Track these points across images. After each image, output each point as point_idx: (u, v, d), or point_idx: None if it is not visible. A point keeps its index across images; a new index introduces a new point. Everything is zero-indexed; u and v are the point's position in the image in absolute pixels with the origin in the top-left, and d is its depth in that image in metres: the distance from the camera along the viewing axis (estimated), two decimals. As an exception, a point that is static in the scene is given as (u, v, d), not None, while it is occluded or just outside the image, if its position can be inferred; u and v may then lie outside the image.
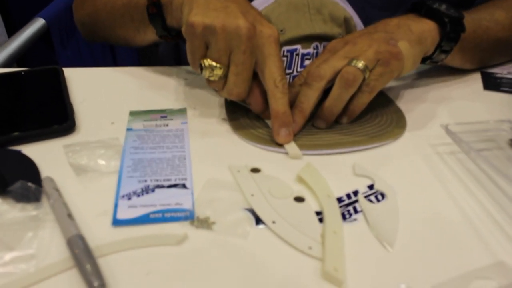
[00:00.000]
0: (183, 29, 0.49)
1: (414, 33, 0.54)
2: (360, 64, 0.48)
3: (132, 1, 0.62)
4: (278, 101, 0.48)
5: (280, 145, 0.49)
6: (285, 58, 0.53)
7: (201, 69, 0.48)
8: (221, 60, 0.47)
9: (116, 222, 0.39)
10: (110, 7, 0.67)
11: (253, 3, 0.55)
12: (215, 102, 0.57)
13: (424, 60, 0.59)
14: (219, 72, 0.47)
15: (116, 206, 0.41)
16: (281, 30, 0.52)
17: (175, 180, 0.44)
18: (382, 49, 0.49)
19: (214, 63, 0.47)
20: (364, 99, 0.50)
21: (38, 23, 1.14)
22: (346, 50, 0.50)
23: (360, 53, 0.49)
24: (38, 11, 1.12)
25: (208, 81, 0.49)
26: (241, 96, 0.49)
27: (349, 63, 0.49)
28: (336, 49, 0.51)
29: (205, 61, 0.48)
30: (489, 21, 0.66)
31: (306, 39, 0.53)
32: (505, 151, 0.51)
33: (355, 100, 0.50)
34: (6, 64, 1.03)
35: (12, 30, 1.66)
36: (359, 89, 0.49)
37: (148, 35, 0.62)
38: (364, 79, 0.49)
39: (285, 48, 0.53)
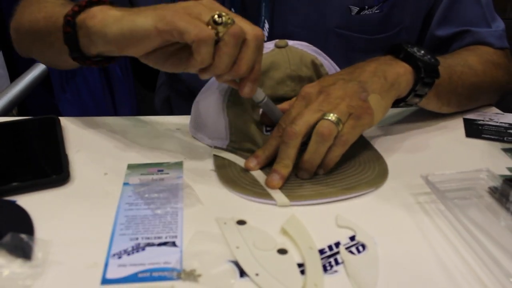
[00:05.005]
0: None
1: (388, 81, 0.57)
2: (334, 118, 0.51)
3: (51, 18, 0.59)
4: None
5: (266, 196, 0.51)
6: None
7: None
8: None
9: (105, 282, 0.40)
10: (34, 24, 0.63)
11: None
12: (204, 153, 0.60)
13: (398, 102, 0.61)
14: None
15: (106, 265, 0.42)
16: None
17: (166, 237, 0.45)
18: (353, 103, 0.52)
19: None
20: (337, 152, 0.52)
21: (38, 68, 1.18)
22: (319, 102, 0.53)
23: (333, 106, 0.52)
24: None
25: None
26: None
27: (323, 116, 0.51)
28: (310, 98, 0.54)
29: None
30: (463, 66, 0.69)
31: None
32: (484, 199, 0.53)
33: (329, 153, 0.52)
34: (8, 108, 1.06)
35: (15, 73, 1.71)
36: (333, 142, 0.51)
37: (70, 60, 0.57)
38: (337, 132, 0.51)
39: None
